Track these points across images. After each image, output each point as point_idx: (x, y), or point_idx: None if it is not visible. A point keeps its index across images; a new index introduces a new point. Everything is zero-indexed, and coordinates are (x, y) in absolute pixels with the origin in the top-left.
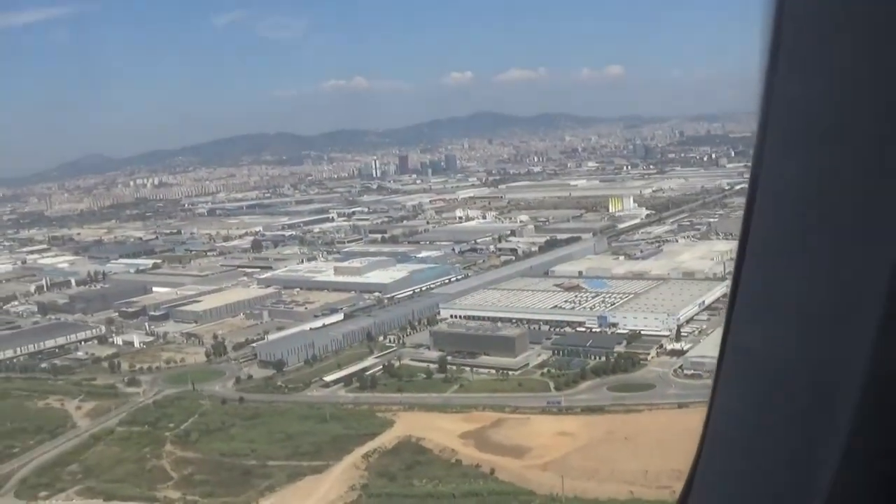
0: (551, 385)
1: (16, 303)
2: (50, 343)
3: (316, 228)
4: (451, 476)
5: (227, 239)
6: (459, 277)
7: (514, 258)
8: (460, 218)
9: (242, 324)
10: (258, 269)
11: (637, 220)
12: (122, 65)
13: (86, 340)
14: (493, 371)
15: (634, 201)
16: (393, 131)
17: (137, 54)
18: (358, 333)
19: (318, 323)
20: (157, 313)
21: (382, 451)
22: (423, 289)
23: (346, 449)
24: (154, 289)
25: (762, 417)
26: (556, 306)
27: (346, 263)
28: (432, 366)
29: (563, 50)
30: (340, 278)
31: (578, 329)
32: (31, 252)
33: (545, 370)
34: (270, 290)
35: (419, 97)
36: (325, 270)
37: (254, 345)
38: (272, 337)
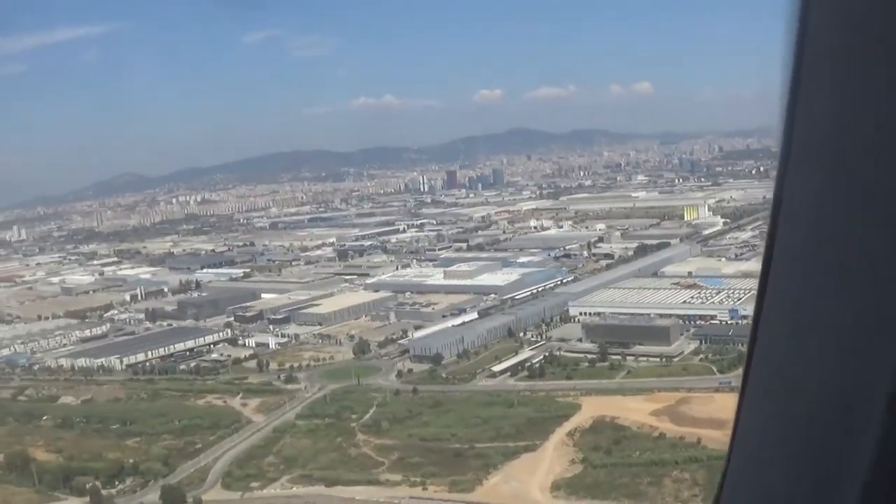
0: (714, 368)
1: (115, 311)
2: (179, 346)
3: (392, 239)
4: (659, 447)
5: (304, 250)
6: (568, 280)
7: (611, 263)
8: (535, 227)
9: (369, 325)
10: (355, 276)
11: (718, 228)
12: (154, 83)
13: (214, 343)
14: (653, 359)
15: (709, 210)
16: (428, 148)
17: (169, 73)
18: (499, 329)
19: (449, 323)
20: (278, 317)
21: (583, 430)
22: (538, 290)
23: (546, 430)
24: (262, 295)
25: (788, 433)
26: (685, 302)
27: (454, 268)
28: (589, 356)
29: (591, 67)
30: (451, 282)
31: (712, 322)
32: (104, 265)
33: (700, 356)
34: (381, 294)
35: (449, 115)
36: (432, 275)
37: (401, 342)
38: (417, 334)
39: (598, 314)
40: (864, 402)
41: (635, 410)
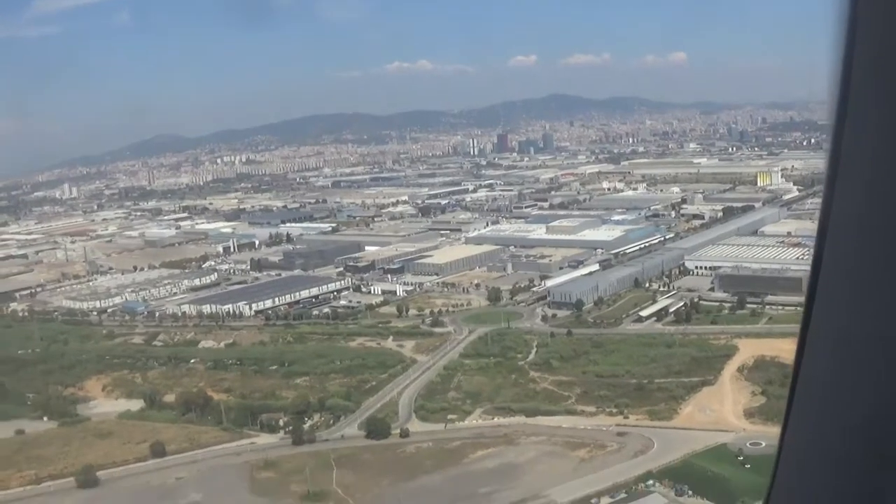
0: None
1: (211, 262)
2: (304, 293)
3: (467, 198)
4: None
5: (381, 207)
6: (668, 237)
7: (703, 223)
8: (608, 189)
9: (488, 275)
10: (448, 231)
11: (794, 194)
12: (188, 45)
13: (338, 291)
14: (789, 307)
15: (782, 176)
16: (467, 112)
17: (203, 34)
18: (626, 280)
19: (572, 273)
20: (393, 266)
21: (749, 368)
22: (644, 246)
23: (714, 367)
24: (365, 247)
25: (838, 438)
26: (797, 258)
27: (556, 223)
28: (726, 304)
29: (625, 36)
30: (555, 236)
31: None
32: (177, 220)
33: None
34: (487, 247)
35: (484, 80)
36: (532, 230)
37: (535, 289)
38: (549, 283)
39: (715, 267)
40: None
41: (791, 351)
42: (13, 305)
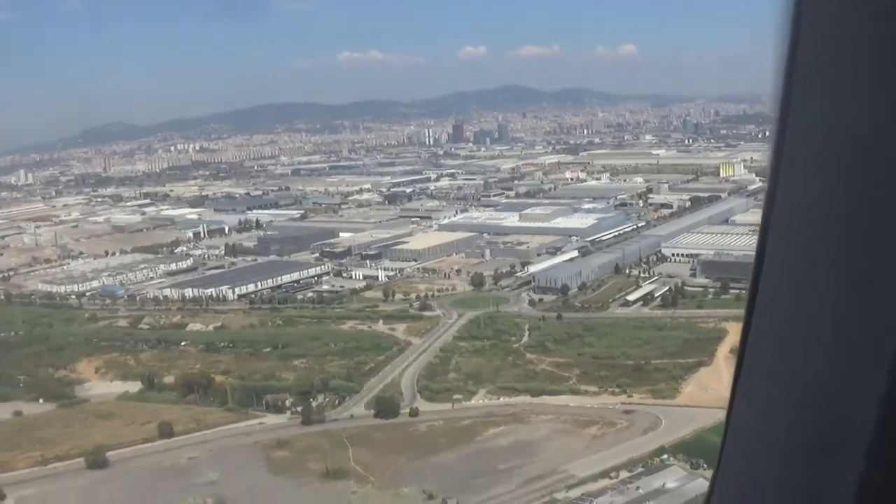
0: None
1: (183, 248)
2: (286, 278)
3: (431, 186)
4: None
5: (346, 195)
6: (640, 225)
7: (672, 212)
8: (571, 179)
9: (466, 261)
10: (417, 219)
11: (759, 184)
12: (138, 34)
13: (319, 276)
14: None
15: (745, 167)
16: (420, 102)
17: (153, 23)
18: (607, 266)
19: (553, 260)
20: (370, 252)
21: None
22: (617, 234)
23: (707, 349)
24: (339, 234)
25: (782, 423)
26: None
27: (528, 211)
28: (709, 289)
29: (575, 27)
30: (528, 224)
31: None
32: (140, 206)
33: None
34: (461, 234)
35: (434, 71)
36: (505, 218)
37: (518, 275)
38: (532, 269)
39: (692, 255)
40: (858, 395)
41: None
42: None
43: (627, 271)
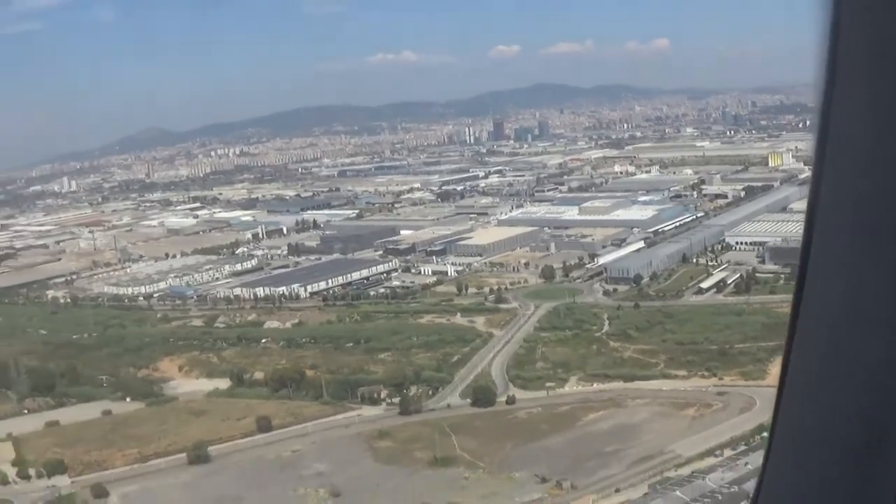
0: None
1: (244, 249)
2: (355, 275)
3: (481, 184)
4: None
5: (398, 194)
6: (700, 215)
7: (728, 202)
8: (621, 173)
9: (532, 255)
10: (474, 215)
11: (809, 173)
12: (172, 39)
13: (388, 272)
14: None
15: (793, 157)
16: (455, 102)
17: (186, 28)
18: (674, 256)
19: (620, 251)
20: (435, 248)
21: None
22: (678, 224)
23: None
24: (400, 231)
25: (830, 420)
26: None
27: (588, 204)
28: (780, 275)
29: (607, 22)
30: (588, 217)
31: None
32: (191, 210)
33: None
34: (523, 228)
35: (467, 70)
36: (564, 212)
37: (588, 266)
38: (601, 260)
39: (757, 242)
40: None
41: None
42: (50, 293)
43: (695, 260)
